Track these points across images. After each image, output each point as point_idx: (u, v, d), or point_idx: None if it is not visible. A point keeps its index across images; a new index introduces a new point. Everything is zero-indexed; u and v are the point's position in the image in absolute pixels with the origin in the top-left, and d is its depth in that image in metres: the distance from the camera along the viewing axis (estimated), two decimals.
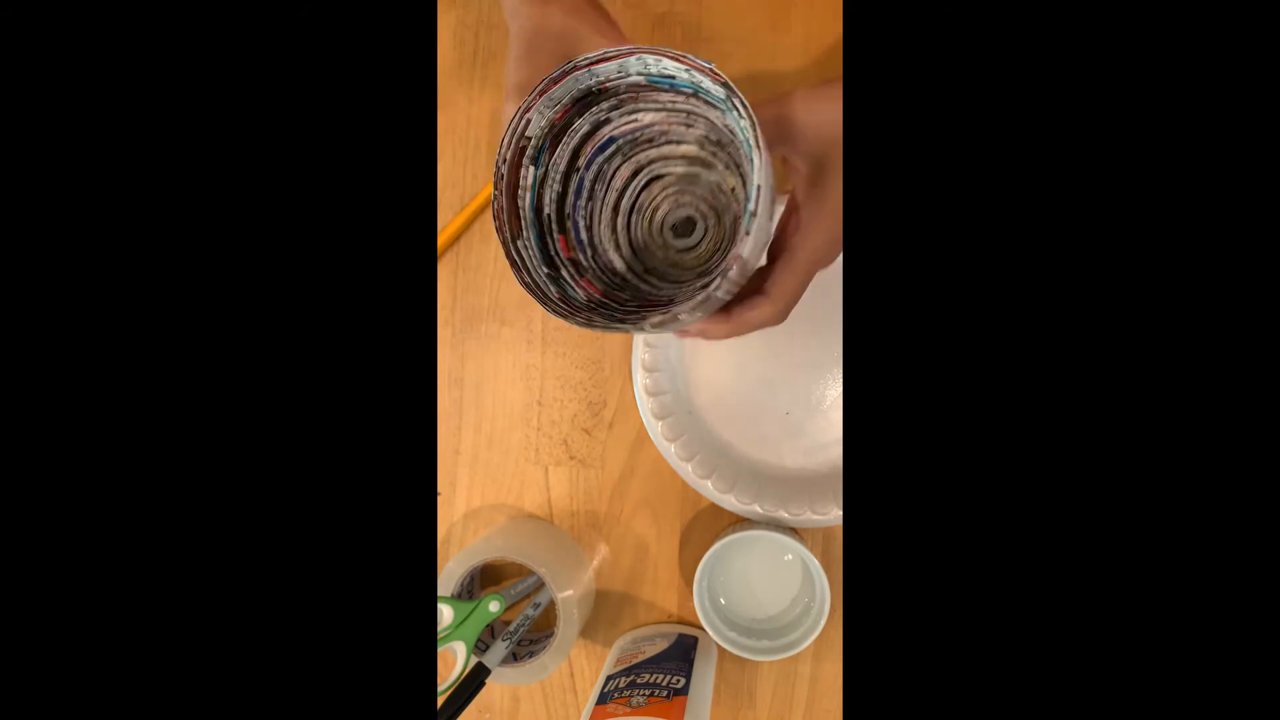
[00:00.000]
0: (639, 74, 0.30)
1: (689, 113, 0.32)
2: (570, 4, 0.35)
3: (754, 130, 0.27)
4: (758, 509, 0.51)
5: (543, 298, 0.31)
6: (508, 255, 0.32)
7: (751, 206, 0.27)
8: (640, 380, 0.53)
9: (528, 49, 0.34)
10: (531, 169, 0.32)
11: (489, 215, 0.58)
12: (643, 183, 0.35)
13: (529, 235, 0.32)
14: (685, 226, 0.35)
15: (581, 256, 0.34)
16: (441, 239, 0.57)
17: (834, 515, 0.50)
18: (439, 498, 0.57)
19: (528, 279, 0.32)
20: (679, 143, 0.34)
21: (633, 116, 0.33)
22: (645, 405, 0.53)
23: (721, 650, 0.53)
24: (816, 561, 0.49)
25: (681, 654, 0.50)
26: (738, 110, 0.28)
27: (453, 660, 0.49)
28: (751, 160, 0.28)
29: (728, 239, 0.34)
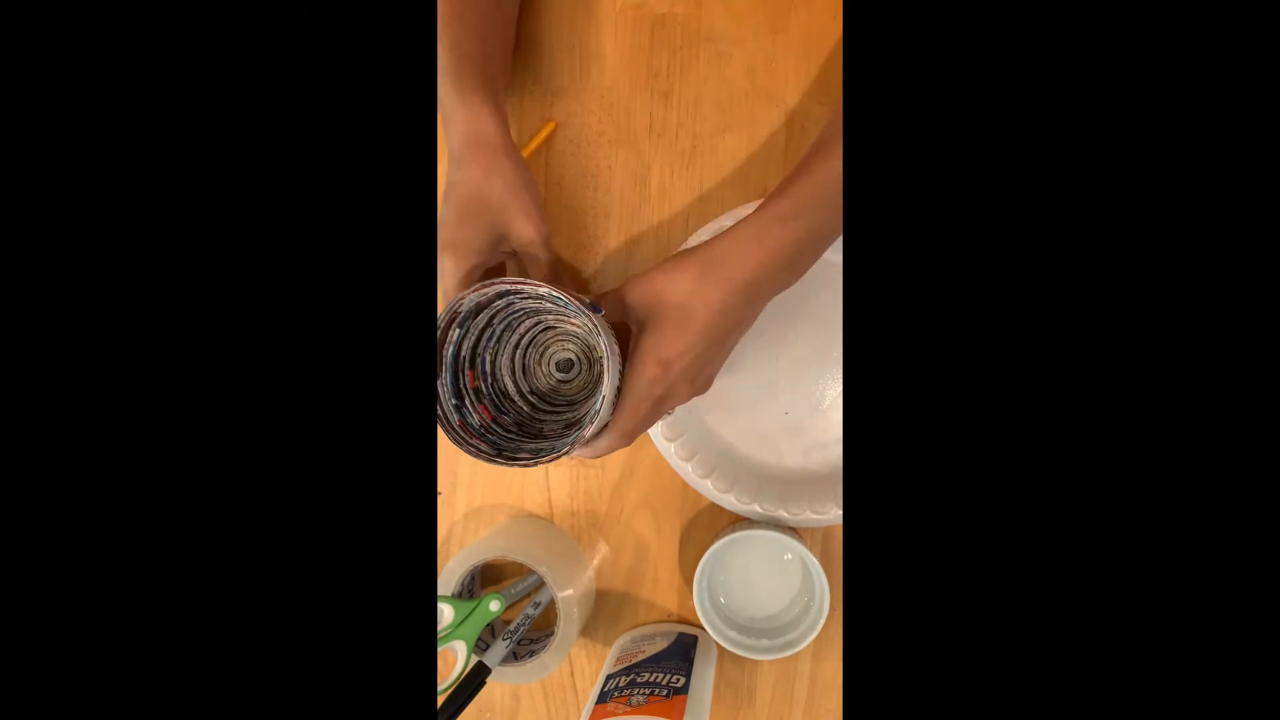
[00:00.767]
0: (545, 297, 0.42)
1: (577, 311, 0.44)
2: (508, 181, 0.43)
3: (608, 343, 0.39)
4: (757, 508, 0.51)
5: (447, 425, 0.40)
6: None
7: (597, 405, 0.38)
8: None
9: (465, 212, 0.43)
10: (457, 330, 0.42)
11: None
12: (541, 328, 0.47)
13: (446, 376, 0.42)
14: (566, 365, 0.48)
15: (483, 384, 0.45)
16: None
17: (833, 515, 0.50)
18: (439, 497, 0.57)
19: (440, 410, 0.41)
20: (570, 318, 0.46)
21: (539, 303, 0.44)
22: None
23: (721, 649, 0.53)
24: (816, 561, 0.49)
25: (681, 653, 0.50)
26: (600, 331, 0.39)
27: (453, 659, 0.49)
28: (604, 365, 0.39)
29: (594, 380, 0.47)
